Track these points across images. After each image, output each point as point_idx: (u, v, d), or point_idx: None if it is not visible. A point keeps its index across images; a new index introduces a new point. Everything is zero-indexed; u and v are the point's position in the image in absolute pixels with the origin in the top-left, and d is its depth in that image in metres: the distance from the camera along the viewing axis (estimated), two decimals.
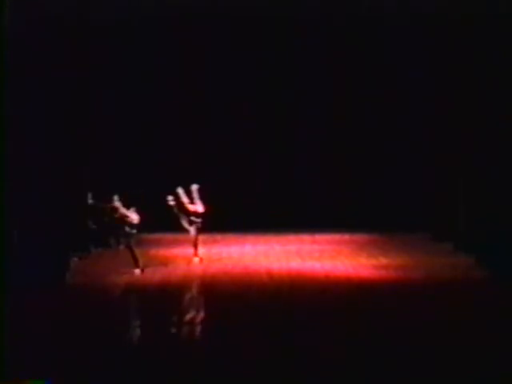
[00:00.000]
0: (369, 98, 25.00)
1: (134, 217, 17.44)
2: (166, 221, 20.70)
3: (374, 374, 9.50)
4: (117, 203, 18.88)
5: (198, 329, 12.39)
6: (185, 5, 21.49)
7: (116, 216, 18.29)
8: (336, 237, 22.99)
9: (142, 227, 17.80)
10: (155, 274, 16.83)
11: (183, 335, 11.84)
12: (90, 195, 20.86)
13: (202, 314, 13.66)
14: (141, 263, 17.10)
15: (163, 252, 20.00)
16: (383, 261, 18.32)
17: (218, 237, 22.87)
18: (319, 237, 23.01)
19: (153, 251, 20.08)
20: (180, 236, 21.12)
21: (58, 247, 17.48)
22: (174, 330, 12.05)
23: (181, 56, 24.39)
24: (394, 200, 24.13)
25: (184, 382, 9.47)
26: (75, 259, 18.41)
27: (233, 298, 14.62)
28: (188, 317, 13.28)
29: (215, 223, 22.78)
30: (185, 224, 18.58)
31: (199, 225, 18.60)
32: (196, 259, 18.62)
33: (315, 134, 25.57)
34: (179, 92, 24.89)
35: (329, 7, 21.56)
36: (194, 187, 18.77)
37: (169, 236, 22.16)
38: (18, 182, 16.92)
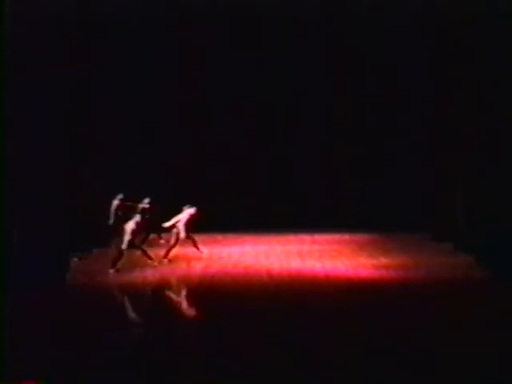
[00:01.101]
0: (369, 98, 24.99)
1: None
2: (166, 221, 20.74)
3: (374, 374, 9.50)
4: (147, 205, 20.30)
5: (198, 329, 12.37)
6: (185, 5, 21.48)
7: (146, 217, 19.58)
8: (336, 237, 22.98)
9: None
10: (155, 274, 16.83)
11: (183, 335, 11.83)
12: (120, 196, 20.94)
13: (201, 314, 13.64)
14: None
15: (163, 252, 19.98)
16: (383, 261, 18.31)
17: (218, 237, 22.90)
18: (319, 237, 23.01)
19: (153, 251, 20.06)
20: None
21: (58, 247, 17.49)
22: (173, 330, 12.05)
23: (181, 56, 24.38)
24: (394, 200, 24.14)
25: (184, 382, 9.47)
26: (75, 259, 18.40)
27: (233, 297, 14.62)
28: (188, 317, 13.27)
29: (215, 223, 22.84)
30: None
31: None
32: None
33: (315, 134, 25.57)
34: (179, 92, 24.87)
35: (329, 7, 21.55)
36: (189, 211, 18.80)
37: (169, 236, 22.14)
38: (18, 182, 16.93)
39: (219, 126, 25.33)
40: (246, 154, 25.47)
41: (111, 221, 21.07)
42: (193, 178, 24.37)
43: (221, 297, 14.92)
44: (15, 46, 16.33)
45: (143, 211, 20.50)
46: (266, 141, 25.68)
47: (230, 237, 22.99)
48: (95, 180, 22.08)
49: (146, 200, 20.96)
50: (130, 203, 20.81)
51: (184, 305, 14.68)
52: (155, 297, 15.10)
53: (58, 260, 16.66)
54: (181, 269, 17.69)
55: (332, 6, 21.53)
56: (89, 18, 21.10)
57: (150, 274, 16.81)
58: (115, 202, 21.23)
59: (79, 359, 10.16)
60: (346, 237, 22.94)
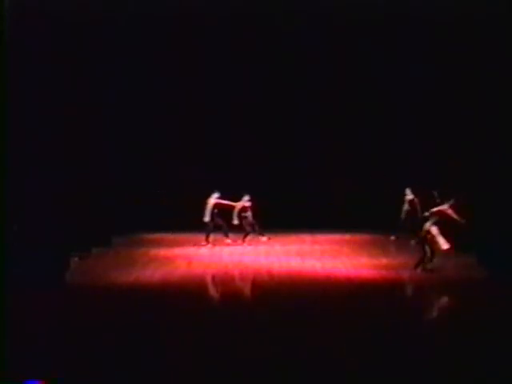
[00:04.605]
0: (369, 98, 24.96)
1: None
2: (165, 221, 20.75)
3: (374, 374, 9.50)
4: (247, 203, 20.75)
5: (198, 329, 12.37)
6: (185, 5, 21.50)
7: (244, 215, 20.76)
8: (336, 236, 22.95)
9: None
10: (155, 274, 16.82)
11: (183, 335, 11.84)
12: (216, 195, 20.69)
13: (202, 314, 13.64)
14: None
15: (163, 252, 19.98)
16: (383, 261, 18.32)
17: (219, 237, 22.86)
18: (320, 236, 22.98)
19: (153, 251, 20.07)
20: (180, 236, 21.16)
21: (58, 247, 17.47)
22: (173, 330, 12.05)
23: (180, 56, 24.34)
24: (394, 200, 24.07)
25: (183, 381, 9.48)
26: (75, 259, 18.39)
27: (233, 297, 14.63)
28: (188, 317, 13.26)
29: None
30: None
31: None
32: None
33: (315, 134, 25.52)
34: (179, 92, 24.84)
35: (329, 7, 21.59)
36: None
37: (169, 236, 22.17)
38: (19, 182, 16.93)
39: (219, 126, 25.30)
40: (246, 153, 25.43)
41: (207, 218, 20.70)
42: (192, 178, 24.35)
43: (221, 297, 14.93)
44: (15, 46, 16.34)
45: (243, 209, 20.50)
46: (266, 141, 25.64)
47: (231, 237, 22.96)
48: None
49: (246, 197, 20.82)
50: (228, 201, 20.65)
51: (184, 305, 14.67)
52: (155, 297, 15.09)
53: (58, 260, 16.63)
54: (181, 269, 17.68)
55: (332, 6, 21.58)
56: (88, 17, 21.14)
57: (149, 274, 16.80)
58: (212, 201, 20.75)
59: (79, 359, 10.17)
60: (347, 237, 22.91)
